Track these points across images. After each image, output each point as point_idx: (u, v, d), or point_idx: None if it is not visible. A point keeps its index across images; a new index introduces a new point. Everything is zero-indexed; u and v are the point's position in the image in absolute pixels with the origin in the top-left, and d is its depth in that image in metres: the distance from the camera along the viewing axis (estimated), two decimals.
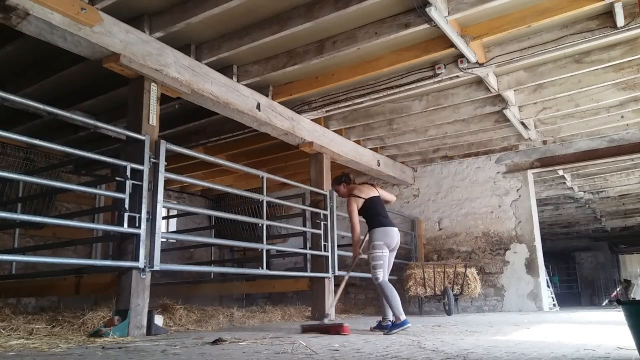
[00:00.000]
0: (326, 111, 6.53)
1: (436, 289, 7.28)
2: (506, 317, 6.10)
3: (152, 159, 4.25)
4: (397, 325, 4.16)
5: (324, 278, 6.34)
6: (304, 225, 6.84)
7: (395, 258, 8.49)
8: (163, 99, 4.77)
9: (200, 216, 9.85)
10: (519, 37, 5.12)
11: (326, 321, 4.27)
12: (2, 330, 3.56)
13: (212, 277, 7.48)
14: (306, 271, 6.39)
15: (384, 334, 4.01)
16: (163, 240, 4.40)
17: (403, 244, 8.95)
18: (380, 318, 4.70)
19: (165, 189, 4.85)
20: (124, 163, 4.07)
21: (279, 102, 6.16)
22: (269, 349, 2.83)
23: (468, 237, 8.48)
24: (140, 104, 4.45)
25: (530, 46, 5.11)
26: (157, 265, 4.07)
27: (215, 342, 3.18)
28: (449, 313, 6.99)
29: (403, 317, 4.20)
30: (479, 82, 5.99)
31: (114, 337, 3.62)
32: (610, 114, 6.98)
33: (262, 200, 5.63)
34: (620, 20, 4.58)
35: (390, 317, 4.36)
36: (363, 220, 4.73)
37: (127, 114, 4.64)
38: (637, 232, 16.42)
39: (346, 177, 4.95)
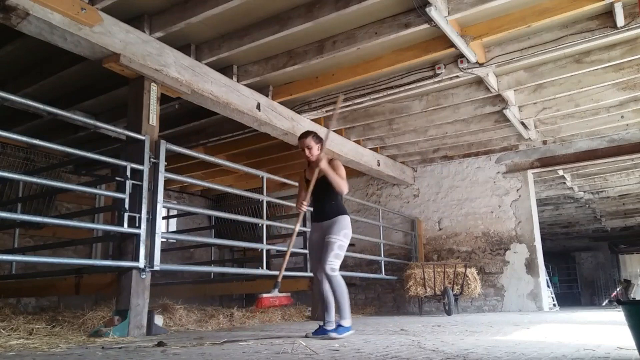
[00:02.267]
0: (326, 111, 6.53)
1: (436, 289, 7.28)
2: (506, 317, 6.10)
3: (152, 159, 4.25)
4: (347, 328, 3.69)
5: None
6: (304, 225, 6.83)
7: (396, 258, 8.64)
8: (163, 99, 4.78)
9: (200, 216, 9.85)
10: (519, 37, 5.12)
11: (276, 292, 3.76)
12: (2, 330, 3.56)
13: (212, 277, 7.48)
14: (306, 271, 6.38)
15: (332, 337, 3.51)
16: (163, 240, 4.40)
17: (403, 243, 8.98)
18: (318, 322, 3.99)
19: (165, 189, 4.86)
20: (124, 163, 4.07)
21: (279, 102, 6.16)
22: (269, 349, 2.83)
23: (468, 237, 8.48)
24: (140, 104, 4.45)
25: (530, 46, 5.11)
26: (157, 265, 4.08)
27: (219, 344, 3.17)
28: (449, 313, 6.99)
29: (350, 321, 3.77)
30: (479, 82, 5.99)
31: (114, 337, 3.62)
32: (610, 114, 6.98)
33: (262, 200, 5.63)
34: (620, 20, 4.58)
35: (333, 320, 3.78)
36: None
37: (127, 114, 4.64)
38: (637, 232, 16.41)
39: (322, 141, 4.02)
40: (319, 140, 3.99)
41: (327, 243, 3.78)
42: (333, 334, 3.58)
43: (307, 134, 3.98)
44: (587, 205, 12.88)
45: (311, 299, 6.51)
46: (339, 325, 3.67)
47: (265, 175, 5.75)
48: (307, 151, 3.94)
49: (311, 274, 6.34)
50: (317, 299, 3.96)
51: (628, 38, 5.17)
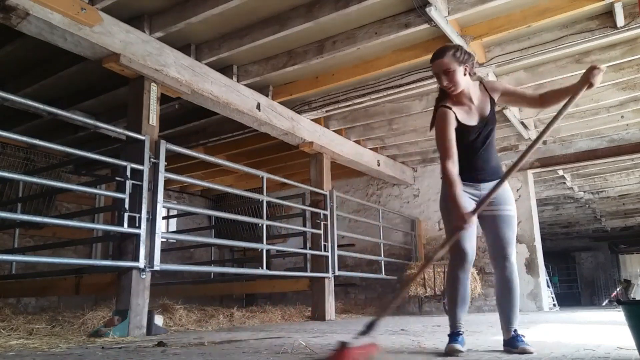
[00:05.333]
0: (326, 111, 6.53)
1: (436, 289, 7.28)
2: None
3: (152, 159, 4.25)
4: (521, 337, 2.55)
5: (324, 278, 6.33)
6: (304, 225, 6.83)
7: (396, 258, 8.62)
8: (163, 99, 4.77)
9: (200, 216, 9.85)
10: (519, 37, 5.12)
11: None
12: (2, 330, 3.56)
13: (212, 277, 7.48)
14: (306, 271, 6.39)
15: (531, 351, 2.42)
16: (163, 240, 4.40)
17: (403, 243, 8.98)
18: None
19: (165, 189, 4.86)
20: (124, 163, 4.07)
21: (279, 102, 6.16)
22: (269, 349, 2.83)
23: None
24: (140, 104, 4.45)
25: (530, 46, 5.11)
26: (157, 265, 4.08)
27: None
28: None
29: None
30: (479, 82, 5.98)
31: (114, 337, 3.62)
32: (610, 114, 6.98)
33: (262, 200, 5.63)
34: (620, 20, 4.58)
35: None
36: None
37: (127, 114, 4.64)
38: (637, 232, 16.42)
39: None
40: (464, 57, 2.55)
41: (506, 218, 2.59)
42: (529, 347, 2.45)
43: (443, 51, 2.56)
44: (587, 205, 12.88)
45: (311, 299, 6.50)
46: (518, 334, 2.57)
47: (265, 175, 5.76)
48: (444, 79, 2.55)
49: (312, 274, 6.39)
50: (456, 295, 2.67)
51: (628, 38, 5.17)
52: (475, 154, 2.67)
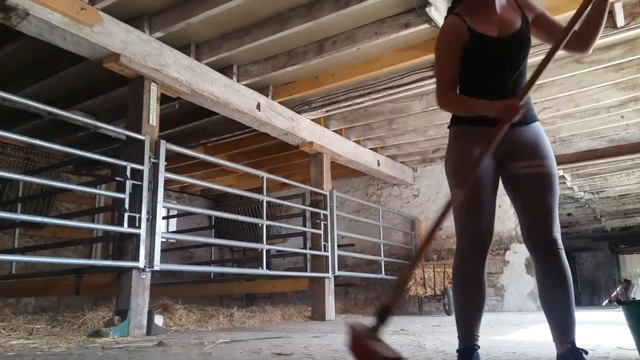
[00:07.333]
0: (326, 111, 6.53)
1: (436, 289, 7.28)
2: (506, 317, 6.10)
3: (152, 159, 4.25)
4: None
5: (324, 278, 6.33)
6: (304, 225, 6.84)
7: (396, 258, 8.62)
8: (163, 99, 4.77)
9: (200, 216, 9.85)
10: None
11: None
12: (2, 330, 3.56)
13: (212, 277, 7.48)
14: (306, 271, 6.39)
15: None
16: (163, 240, 4.40)
17: (403, 243, 8.98)
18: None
19: (165, 189, 4.85)
20: (124, 163, 4.07)
21: (279, 102, 6.16)
22: (269, 349, 2.83)
23: None
24: (140, 104, 4.45)
25: (531, 46, 5.10)
26: (157, 265, 4.08)
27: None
28: (449, 313, 6.99)
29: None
30: None
31: (114, 337, 3.62)
32: (610, 114, 6.97)
33: (262, 200, 5.63)
34: (620, 20, 4.58)
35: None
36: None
37: (127, 114, 4.64)
38: (637, 232, 16.42)
39: None
40: None
41: (546, 177, 1.85)
42: None
43: None
44: (587, 205, 12.88)
45: (311, 299, 6.50)
46: (576, 348, 1.76)
47: (265, 175, 5.76)
48: None
49: (312, 274, 6.39)
50: (470, 296, 1.94)
51: (628, 38, 5.16)
52: (502, 80, 1.87)
